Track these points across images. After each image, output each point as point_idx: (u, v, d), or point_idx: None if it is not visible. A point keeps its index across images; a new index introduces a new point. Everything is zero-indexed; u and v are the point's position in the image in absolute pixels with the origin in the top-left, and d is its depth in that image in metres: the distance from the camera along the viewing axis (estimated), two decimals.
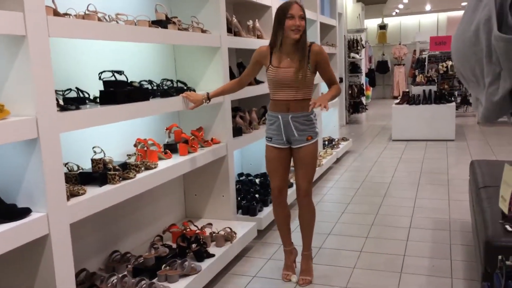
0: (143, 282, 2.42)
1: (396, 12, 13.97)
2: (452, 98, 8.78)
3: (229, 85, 3.02)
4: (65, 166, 2.30)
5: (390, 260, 3.17)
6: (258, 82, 4.02)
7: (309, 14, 5.46)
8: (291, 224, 3.06)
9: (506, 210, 2.02)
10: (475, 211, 2.88)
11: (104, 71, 2.44)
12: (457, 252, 3.25)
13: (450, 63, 9.83)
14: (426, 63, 10.09)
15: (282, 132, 2.79)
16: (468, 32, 1.01)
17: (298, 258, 3.04)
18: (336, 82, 2.88)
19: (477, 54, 0.99)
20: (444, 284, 2.80)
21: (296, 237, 3.12)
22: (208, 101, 2.94)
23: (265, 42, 3.15)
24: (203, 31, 3.18)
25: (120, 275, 2.46)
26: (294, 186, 3.14)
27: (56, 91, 2.28)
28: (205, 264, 2.76)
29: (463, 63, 1.05)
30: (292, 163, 2.91)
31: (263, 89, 3.82)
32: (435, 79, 9.09)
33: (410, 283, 2.84)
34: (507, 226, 2.28)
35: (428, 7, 13.19)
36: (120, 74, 2.45)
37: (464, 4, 12.12)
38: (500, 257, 1.32)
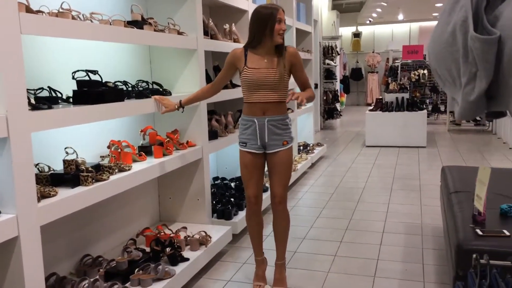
0: (116, 286, 2.37)
1: (370, 21, 14.24)
2: (424, 106, 8.98)
3: (202, 91, 2.94)
4: (36, 167, 2.23)
5: (364, 264, 3.20)
6: (234, 85, 4.01)
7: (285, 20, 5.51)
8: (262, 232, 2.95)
9: (481, 209, 2.06)
10: (447, 215, 2.94)
11: (77, 71, 2.39)
12: (429, 256, 3.30)
13: (422, 71, 10.07)
14: (398, 71, 10.30)
15: (258, 136, 2.70)
16: (445, 33, 1.03)
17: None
18: (310, 86, 2.84)
19: (454, 54, 1.01)
20: None
21: (267, 245, 3.09)
22: (181, 108, 2.89)
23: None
24: (179, 33, 3.16)
25: (91, 279, 2.40)
26: (268, 192, 3.08)
27: (27, 90, 2.22)
28: (179, 268, 2.72)
29: (440, 63, 1.07)
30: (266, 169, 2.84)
31: (239, 92, 3.80)
32: (408, 86, 9.28)
33: (384, 287, 2.87)
34: (478, 230, 2.33)
35: (401, 16, 13.49)
36: (94, 74, 2.40)
37: (435, 14, 12.46)
38: (474, 255, 1.34)
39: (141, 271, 2.57)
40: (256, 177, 2.77)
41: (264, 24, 2.63)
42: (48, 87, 2.32)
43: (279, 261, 2.87)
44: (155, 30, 2.87)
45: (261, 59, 2.67)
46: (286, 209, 2.83)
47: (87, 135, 2.77)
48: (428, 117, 9.03)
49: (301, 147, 6.38)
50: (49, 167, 2.31)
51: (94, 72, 2.42)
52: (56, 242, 2.55)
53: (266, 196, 3.73)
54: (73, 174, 2.23)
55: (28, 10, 1.91)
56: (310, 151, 6.40)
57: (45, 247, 2.36)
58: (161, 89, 3.09)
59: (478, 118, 8.96)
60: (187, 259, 2.83)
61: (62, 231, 2.59)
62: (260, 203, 2.85)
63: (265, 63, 2.66)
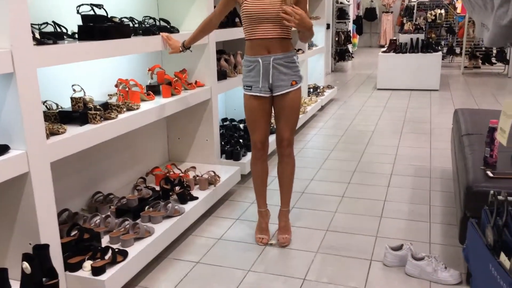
0: (127, 222, 2.42)
1: None
2: (439, 48, 8.73)
3: (202, 28, 2.71)
4: (43, 104, 2.22)
5: (370, 205, 3.23)
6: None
7: None
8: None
9: (505, 142, 2.03)
10: (457, 157, 2.92)
11: (82, 4, 2.31)
12: (436, 198, 3.32)
13: (438, 11, 9.69)
14: (414, 11, 9.92)
15: (263, 78, 2.49)
16: None
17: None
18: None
19: None
20: (422, 228, 2.88)
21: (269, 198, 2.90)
22: (184, 50, 2.76)
23: None
24: None
25: (103, 216, 2.46)
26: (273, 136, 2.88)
27: (32, 24, 2.16)
28: (189, 206, 2.77)
29: None
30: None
31: None
32: (423, 27, 8.98)
33: (389, 226, 2.91)
34: (488, 172, 2.32)
35: None
36: (100, 8, 2.32)
37: None
38: (492, 191, 1.33)
39: (151, 209, 2.62)
40: (263, 122, 2.62)
41: None
42: (53, 21, 2.25)
43: (284, 208, 2.77)
44: None
45: None
46: (293, 153, 2.72)
47: (94, 73, 2.73)
48: (442, 59, 8.79)
49: (311, 89, 6.29)
50: (57, 105, 2.29)
51: (99, 6, 2.33)
52: (68, 179, 2.59)
53: (271, 140, 3.70)
54: (81, 112, 2.21)
55: None
56: (320, 94, 6.31)
57: (56, 184, 2.40)
58: (168, 26, 3.00)
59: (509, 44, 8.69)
60: (196, 198, 2.87)
61: (73, 169, 2.62)
62: (266, 149, 2.72)
63: None
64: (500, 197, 1.33)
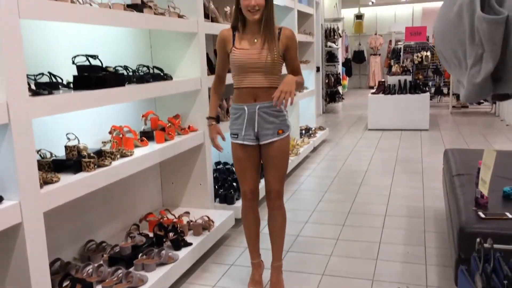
0: (120, 271, 2.38)
1: (372, 2, 14.08)
2: (426, 88, 8.92)
3: (215, 92, 2.65)
4: (37, 153, 2.23)
5: (366, 248, 3.21)
6: None
7: (287, 2, 5.44)
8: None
9: (486, 192, 2.06)
10: (449, 198, 2.94)
11: (77, 55, 2.37)
12: (431, 239, 3.31)
13: (425, 53, 9.97)
14: (401, 53, 10.20)
15: (249, 126, 2.44)
16: (451, 12, 1.00)
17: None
18: (301, 73, 2.52)
19: (460, 35, 0.99)
20: (419, 270, 2.86)
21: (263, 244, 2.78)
22: (216, 120, 2.64)
23: None
24: (179, 16, 3.12)
25: (95, 265, 2.42)
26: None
27: (27, 75, 2.20)
28: (183, 252, 2.74)
29: (445, 44, 1.04)
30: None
31: None
32: (410, 69, 9.21)
33: (386, 269, 2.89)
34: (480, 213, 2.33)
35: None
36: (94, 59, 2.38)
37: None
38: (478, 239, 1.34)
39: (144, 256, 2.58)
40: (251, 171, 2.52)
41: (236, 0, 2.38)
42: (49, 72, 2.30)
43: (275, 263, 2.63)
44: (155, 14, 2.84)
45: (251, 39, 2.41)
46: (283, 205, 2.60)
47: (88, 121, 2.76)
48: (431, 99, 8.96)
49: (303, 131, 6.37)
50: (51, 153, 2.30)
51: (94, 57, 2.39)
52: (60, 228, 2.57)
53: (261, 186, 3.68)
54: (75, 160, 2.22)
55: None
56: (312, 135, 6.38)
57: (49, 233, 2.37)
58: (162, 74, 3.07)
59: (482, 101, 8.90)
60: (190, 244, 2.84)
61: (65, 217, 2.60)
62: (257, 199, 2.61)
63: (255, 44, 2.39)
64: (486, 245, 1.34)
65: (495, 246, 1.33)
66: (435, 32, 1.09)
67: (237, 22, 2.43)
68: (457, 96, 9.37)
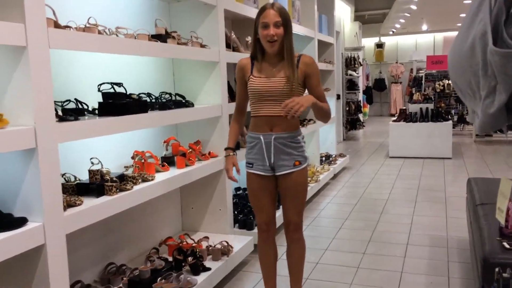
0: None
1: (393, 32, 14.15)
2: (449, 116, 8.84)
3: (237, 124, 2.61)
4: (62, 176, 2.29)
5: (387, 277, 3.15)
6: None
7: (307, 32, 5.53)
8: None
9: (503, 222, 2.02)
10: (473, 228, 2.88)
11: (103, 83, 2.46)
12: (455, 269, 3.23)
13: (446, 81, 9.92)
14: (423, 82, 10.17)
15: (265, 156, 2.38)
16: (464, 46, 1.02)
17: None
18: (325, 101, 2.43)
19: (473, 67, 1.00)
20: None
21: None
22: (235, 153, 2.57)
23: None
24: (202, 46, 3.21)
25: None
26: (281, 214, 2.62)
27: (55, 102, 2.29)
28: (201, 277, 2.74)
29: (459, 76, 1.06)
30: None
31: None
32: (432, 97, 9.16)
33: None
34: (505, 243, 2.28)
35: (424, 27, 13.37)
36: (119, 86, 2.46)
37: (459, 24, 12.27)
38: (497, 269, 1.32)
39: (163, 280, 2.59)
40: (267, 203, 2.46)
41: (255, 29, 2.35)
42: (75, 99, 2.39)
43: None
44: (178, 43, 2.93)
45: (269, 68, 2.37)
46: (302, 237, 2.52)
47: (111, 146, 2.84)
48: (453, 127, 8.87)
49: (323, 158, 6.35)
50: (75, 177, 2.37)
51: (119, 84, 2.48)
52: (82, 251, 2.61)
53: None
54: (98, 184, 2.28)
55: (57, 25, 1.99)
56: (332, 162, 6.36)
57: (71, 255, 2.42)
58: (184, 101, 3.14)
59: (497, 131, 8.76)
60: (209, 269, 2.84)
61: (87, 240, 2.64)
62: (273, 231, 2.54)
63: (273, 72, 2.36)
64: (505, 275, 1.31)
65: None
66: (449, 64, 1.11)
67: (256, 51, 2.40)
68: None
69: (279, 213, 2.62)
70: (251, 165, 2.46)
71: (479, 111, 1.03)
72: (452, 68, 1.09)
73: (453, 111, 10.05)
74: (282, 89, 2.32)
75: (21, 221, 1.79)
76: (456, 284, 3.01)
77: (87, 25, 2.24)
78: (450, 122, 7.68)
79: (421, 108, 7.81)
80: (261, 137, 2.39)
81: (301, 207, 2.47)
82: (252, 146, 2.44)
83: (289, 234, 2.50)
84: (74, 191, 2.26)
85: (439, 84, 9.85)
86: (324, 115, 2.41)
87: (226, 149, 2.56)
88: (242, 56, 3.77)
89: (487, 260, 2.19)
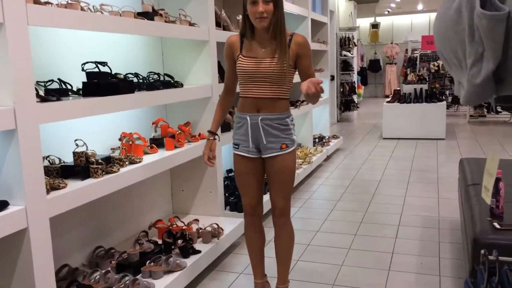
0: (127, 278, 2.37)
1: (388, 11, 14.00)
2: (443, 97, 8.80)
3: (222, 105, 2.52)
4: (46, 159, 2.24)
5: (378, 258, 3.14)
6: None
7: (300, 11, 5.43)
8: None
9: (488, 201, 1.99)
10: (464, 208, 2.86)
11: (87, 62, 2.38)
12: (446, 250, 3.23)
13: (441, 62, 9.86)
14: (417, 62, 10.10)
15: (250, 137, 2.32)
16: (450, 10, 0.96)
17: None
18: None
19: (459, 33, 0.94)
20: (432, 282, 2.78)
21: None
22: (217, 137, 2.53)
23: None
24: (191, 24, 3.13)
25: (103, 271, 2.41)
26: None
27: (38, 82, 2.23)
28: (191, 260, 2.71)
29: (445, 44, 1.00)
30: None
31: None
32: (427, 78, 9.10)
33: (398, 280, 2.82)
34: (495, 224, 2.26)
35: (420, 6, 13.23)
36: (104, 66, 2.39)
37: None
38: (482, 251, 1.29)
39: (152, 263, 2.57)
40: (253, 185, 2.39)
41: (244, 5, 2.23)
42: (58, 79, 2.32)
43: (280, 285, 2.48)
44: (166, 22, 2.85)
45: (259, 47, 2.27)
46: (290, 222, 2.44)
47: (98, 127, 2.78)
48: (447, 108, 8.85)
49: (317, 139, 6.32)
50: (59, 160, 2.31)
51: (104, 63, 2.41)
52: (69, 234, 2.57)
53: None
54: (82, 166, 2.23)
55: (36, 1, 1.91)
56: (325, 144, 6.33)
57: (58, 239, 2.39)
58: (172, 81, 3.07)
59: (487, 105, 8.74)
60: (199, 252, 2.82)
61: (75, 223, 2.61)
62: (259, 214, 2.48)
63: (263, 52, 2.25)
64: (491, 257, 1.28)
65: (501, 258, 1.28)
66: (434, 31, 1.05)
67: (245, 29, 2.30)
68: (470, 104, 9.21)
69: (267, 198, 2.55)
70: (237, 146, 2.39)
71: (464, 81, 0.97)
72: (437, 36, 1.02)
73: (447, 92, 10.02)
74: (273, 70, 2.23)
75: (2, 205, 1.74)
76: (447, 264, 3.01)
77: (69, 2, 2.16)
78: (444, 103, 7.65)
79: (415, 89, 7.76)
80: (248, 118, 2.31)
81: (288, 192, 2.39)
82: (239, 127, 2.37)
83: (276, 219, 2.43)
84: (59, 173, 2.21)
85: (434, 65, 9.79)
86: (315, 97, 2.18)
87: (208, 131, 2.51)
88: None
89: (478, 240, 2.17)
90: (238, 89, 2.46)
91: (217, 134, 2.51)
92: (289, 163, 2.34)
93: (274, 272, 2.56)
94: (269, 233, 2.72)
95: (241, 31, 2.35)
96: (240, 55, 2.30)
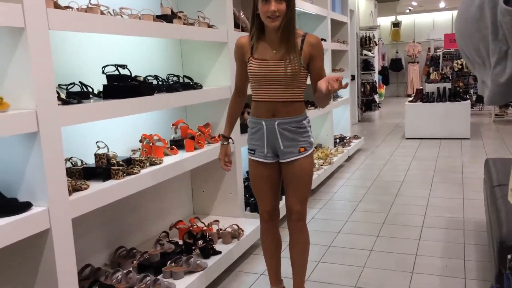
0: (148, 278, 2.39)
1: (410, 10, 13.81)
2: (467, 96, 8.62)
3: (233, 108, 2.47)
4: (68, 161, 2.28)
5: (401, 260, 3.09)
6: None
7: (319, 11, 5.40)
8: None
9: None
10: (490, 210, 2.79)
11: (107, 65, 2.41)
12: (471, 252, 3.16)
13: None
14: (440, 61, 9.93)
15: (266, 143, 2.24)
16: (472, 7, 0.93)
17: None
18: None
19: (482, 31, 0.91)
20: (457, 285, 2.72)
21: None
22: (231, 140, 2.49)
23: None
24: (209, 26, 3.14)
25: (124, 271, 2.44)
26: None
27: (59, 85, 2.27)
28: (211, 261, 2.72)
29: (467, 42, 0.97)
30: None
31: None
32: (450, 76, 8.93)
33: (422, 283, 2.77)
34: None
35: (442, 4, 13.01)
36: (124, 68, 2.42)
37: None
38: (509, 256, 1.24)
39: (173, 264, 2.58)
40: (269, 191, 2.33)
41: (254, 4, 2.16)
42: (79, 82, 2.35)
43: None
44: (184, 24, 2.87)
45: (269, 49, 2.19)
46: (305, 228, 2.36)
47: (119, 130, 2.81)
48: (472, 107, 8.66)
49: (337, 140, 6.27)
50: (82, 161, 2.35)
51: (123, 66, 2.43)
52: (92, 235, 2.61)
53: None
54: (104, 168, 2.25)
55: (56, 6, 1.94)
56: (346, 144, 6.27)
57: (80, 239, 2.43)
58: (192, 83, 3.09)
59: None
60: (219, 252, 2.82)
61: (97, 224, 2.64)
62: (275, 220, 2.42)
63: (274, 54, 2.17)
64: None
65: None
66: (455, 29, 1.01)
67: (253, 29, 2.21)
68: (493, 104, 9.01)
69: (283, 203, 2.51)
70: (253, 152, 2.31)
71: (488, 80, 0.94)
72: (458, 34, 0.99)
73: (471, 91, 9.82)
74: (285, 73, 2.15)
75: (26, 206, 1.77)
76: (472, 267, 2.94)
77: (89, 6, 2.19)
78: (468, 101, 7.49)
79: (438, 88, 7.62)
80: (263, 123, 2.23)
81: (305, 196, 2.31)
82: (254, 132, 2.29)
83: (291, 223, 2.36)
84: (81, 175, 2.24)
85: (457, 63, 9.60)
86: (327, 100, 2.21)
87: (221, 136, 2.47)
88: None
89: (504, 243, 2.11)
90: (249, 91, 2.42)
91: (231, 138, 2.47)
92: (307, 166, 2.28)
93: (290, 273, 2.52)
94: (286, 237, 2.67)
95: (251, 31, 2.25)
96: (251, 58, 2.22)
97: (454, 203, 4.21)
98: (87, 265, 2.44)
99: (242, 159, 3.56)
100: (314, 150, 2.38)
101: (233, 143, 2.46)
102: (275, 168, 2.30)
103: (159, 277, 2.45)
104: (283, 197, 3.38)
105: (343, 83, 1.94)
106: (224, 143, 2.43)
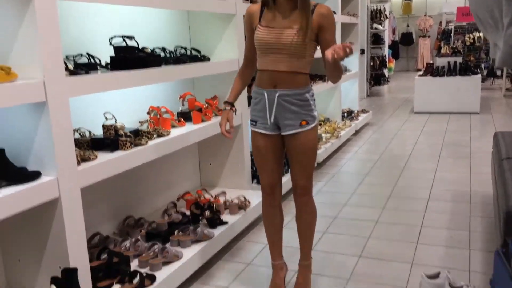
0: (156, 246, 2.44)
1: None
2: (478, 70, 8.50)
3: (242, 78, 2.38)
4: (77, 132, 2.30)
5: (406, 231, 3.12)
6: None
7: None
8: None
9: None
10: (497, 182, 2.79)
11: (114, 36, 2.41)
12: (477, 224, 3.17)
13: (477, 34, 9.48)
14: (452, 34, 9.76)
15: (267, 113, 2.19)
16: None
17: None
18: None
19: None
20: (462, 255, 2.75)
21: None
22: (234, 108, 2.37)
23: None
24: None
25: (133, 239, 2.49)
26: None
27: (67, 56, 2.28)
28: (218, 230, 2.77)
29: (480, 3, 0.94)
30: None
31: None
32: (461, 50, 8.79)
33: (426, 253, 2.80)
34: None
35: None
36: (131, 40, 2.41)
37: None
38: None
39: (180, 233, 2.63)
40: (271, 164, 2.27)
41: None
42: (87, 53, 2.36)
43: (303, 262, 2.40)
44: None
45: (280, 17, 2.11)
46: (312, 201, 2.34)
47: (126, 101, 2.82)
48: (482, 82, 8.55)
49: (345, 114, 6.24)
50: (90, 132, 2.37)
51: (131, 37, 2.43)
52: (101, 204, 2.66)
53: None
54: (112, 139, 2.28)
55: None
56: (354, 118, 6.25)
57: (90, 209, 2.47)
58: (199, 55, 3.08)
59: None
60: (226, 223, 2.87)
61: (106, 194, 2.69)
62: (277, 194, 2.37)
63: (283, 22, 2.10)
64: None
65: None
66: None
67: None
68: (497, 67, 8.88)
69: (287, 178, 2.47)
70: (254, 123, 2.26)
71: (501, 42, 0.92)
72: None
73: (482, 65, 9.67)
74: (291, 42, 2.06)
75: (35, 175, 1.80)
76: (477, 238, 2.96)
77: None
78: (479, 76, 7.39)
79: (449, 62, 7.52)
80: (265, 93, 2.17)
81: (309, 170, 2.27)
82: (256, 102, 2.24)
83: (297, 198, 2.33)
84: (89, 146, 2.27)
85: (469, 37, 9.44)
86: (338, 74, 2.14)
87: (224, 102, 2.36)
88: None
89: (510, 213, 2.12)
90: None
91: (233, 105, 2.36)
92: (311, 141, 2.21)
93: (293, 253, 2.55)
94: (288, 214, 2.62)
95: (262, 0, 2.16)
96: (259, 25, 2.15)
97: (461, 177, 4.21)
98: (96, 234, 2.50)
99: (250, 131, 3.57)
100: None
101: (235, 112, 2.38)
102: (277, 141, 2.25)
103: (166, 245, 2.50)
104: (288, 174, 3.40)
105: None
106: (226, 108, 2.34)
